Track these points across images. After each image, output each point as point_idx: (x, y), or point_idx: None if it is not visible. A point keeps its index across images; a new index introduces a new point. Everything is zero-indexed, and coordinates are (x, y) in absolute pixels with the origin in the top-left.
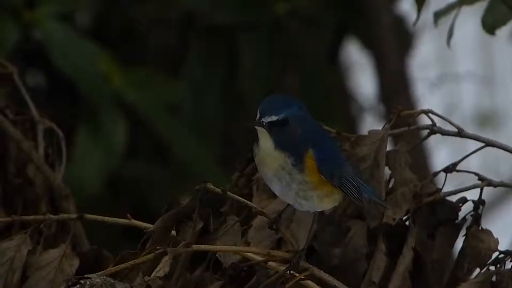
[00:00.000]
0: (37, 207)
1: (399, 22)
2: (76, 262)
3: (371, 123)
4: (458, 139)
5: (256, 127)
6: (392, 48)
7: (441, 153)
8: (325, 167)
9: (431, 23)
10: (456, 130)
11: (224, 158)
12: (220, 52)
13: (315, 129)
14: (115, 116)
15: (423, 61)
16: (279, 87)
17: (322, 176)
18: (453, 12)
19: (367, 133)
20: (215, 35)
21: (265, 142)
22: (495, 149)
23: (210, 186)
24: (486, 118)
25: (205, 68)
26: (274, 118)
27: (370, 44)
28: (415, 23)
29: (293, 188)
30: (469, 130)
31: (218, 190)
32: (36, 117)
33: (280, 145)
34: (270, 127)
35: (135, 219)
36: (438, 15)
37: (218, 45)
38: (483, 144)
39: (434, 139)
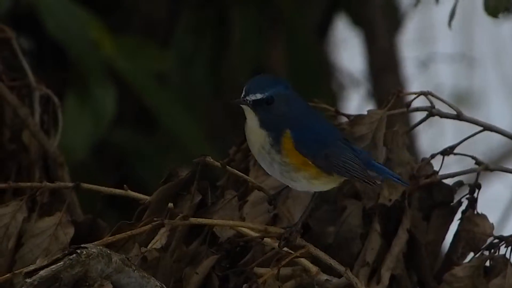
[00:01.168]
0: (30, 173)
1: (390, 1)
2: (71, 231)
3: (356, 99)
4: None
5: (241, 105)
6: (382, 26)
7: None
8: (305, 148)
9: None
10: (455, 113)
11: (211, 129)
12: (210, 23)
13: (299, 109)
14: (104, 83)
15: (409, 40)
16: (267, 59)
17: (305, 158)
18: None
19: (365, 113)
20: (206, 6)
21: (250, 120)
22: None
23: (209, 159)
24: (463, 98)
25: (195, 39)
26: (259, 96)
27: (360, 22)
28: (416, 4)
29: (276, 168)
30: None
31: (218, 164)
32: (33, 84)
33: (264, 124)
34: (255, 105)
35: (121, 188)
36: None
37: (208, 16)
38: (481, 128)
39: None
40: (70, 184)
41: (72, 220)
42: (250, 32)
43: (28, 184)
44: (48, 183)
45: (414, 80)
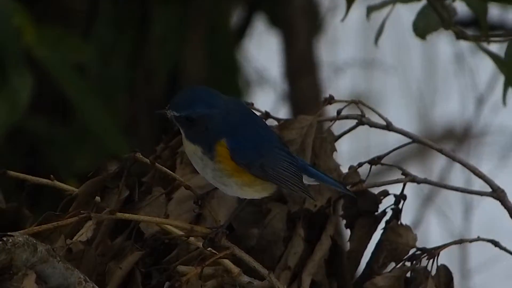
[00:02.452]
0: None
1: (311, 3)
2: None
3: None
4: None
5: (166, 115)
6: (302, 28)
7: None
8: (239, 156)
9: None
10: (384, 123)
11: (125, 123)
12: (131, 18)
13: (235, 118)
14: (22, 71)
15: (326, 43)
16: (186, 57)
17: (238, 165)
18: (386, 8)
19: (296, 118)
20: (127, 0)
21: (184, 134)
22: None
23: (139, 155)
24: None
25: (115, 33)
26: (176, 114)
27: (280, 23)
28: (343, 19)
29: (208, 172)
30: None
31: (147, 160)
32: None
33: (189, 137)
34: (177, 121)
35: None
36: (371, 10)
37: (129, 10)
38: (409, 140)
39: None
40: None
41: None
42: (170, 29)
43: None
44: None
45: (330, 84)
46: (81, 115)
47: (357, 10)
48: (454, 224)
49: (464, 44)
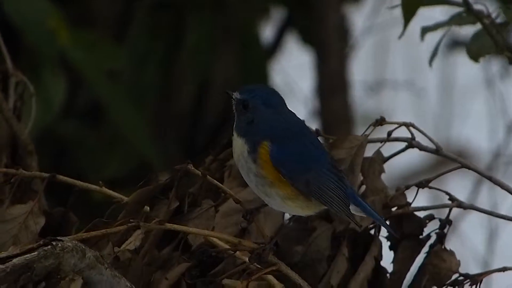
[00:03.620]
0: None
1: (343, 23)
2: (42, 221)
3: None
4: None
5: (231, 96)
6: (335, 47)
7: None
8: (283, 167)
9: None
10: (434, 147)
11: (156, 130)
12: (165, 26)
13: (286, 125)
14: (56, 73)
15: (360, 63)
16: (218, 67)
17: (281, 175)
18: (440, 30)
19: (346, 137)
20: (162, 7)
21: (235, 123)
22: None
23: (191, 167)
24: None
25: (149, 39)
26: (238, 96)
27: (312, 41)
28: (400, 36)
29: (252, 179)
30: None
31: (198, 172)
32: (10, 70)
33: (238, 128)
34: (236, 104)
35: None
36: (425, 31)
37: (163, 18)
38: (459, 165)
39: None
40: (46, 175)
41: (44, 211)
42: (204, 39)
43: (3, 169)
44: (23, 171)
45: (362, 104)
46: (112, 119)
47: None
48: (477, 249)
49: (494, 69)
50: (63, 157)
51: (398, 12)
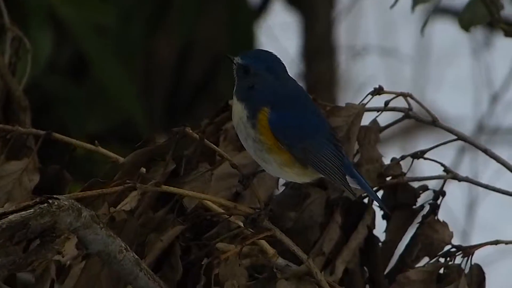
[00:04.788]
0: None
1: None
2: (36, 178)
3: None
4: None
5: (232, 61)
6: (323, 11)
7: None
8: (281, 134)
9: None
10: (431, 119)
11: (142, 87)
12: None
13: (286, 92)
14: (44, 28)
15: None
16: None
17: (278, 141)
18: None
19: (343, 105)
20: None
21: (235, 88)
22: None
23: (188, 130)
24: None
25: None
26: (239, 61)
27: (300, 4)
28: (392, 7)
29: (250, 144)
30: None
31: (196, 136)
32: (7, 24)
33: (239, 93)
34: (237, 69)
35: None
36: (417, 2)
37: None
38: (455, 137)
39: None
40: (42, 132)
41: (38, 168)
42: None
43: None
44: (20, 128)
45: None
46: (98, 75)
47: None
48: (457, 220)
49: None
50: (45, 112)
51: None
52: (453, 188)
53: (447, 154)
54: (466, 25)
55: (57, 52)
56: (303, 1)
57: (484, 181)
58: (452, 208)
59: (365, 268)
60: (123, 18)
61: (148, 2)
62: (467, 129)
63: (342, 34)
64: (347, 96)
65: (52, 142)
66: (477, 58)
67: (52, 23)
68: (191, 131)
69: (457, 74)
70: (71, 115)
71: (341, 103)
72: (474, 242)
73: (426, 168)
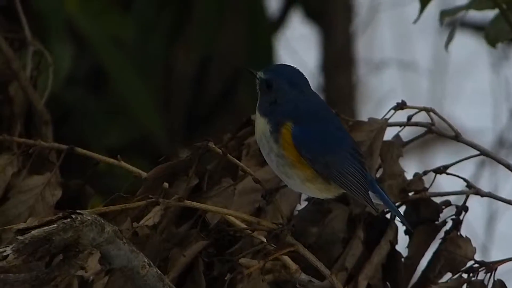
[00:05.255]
0: (11, 126)
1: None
2: (58, 193)
3: None
4: None
5: (255, 76)
6: (341, 24)
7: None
8: (304, 149)
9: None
10: (453, 134)
11: (161, 100)
12: None
13: (310, 107)
14: (63, 40)
15: (371, 43)
16: (224, 42)
17: (302, 156)
18: (459, 13)
19: (364, 119)
20: None
21: (258, 103)
22: None
23: (211, 145)
24: None
25: (156, 9)
26: (262, 76)
27: (317, 16)
28: (415, 21)
29: (273, 159)
30: None
31: (219, 150)
32: (28, 38)
33: (262, 108)
34: (260, 84)
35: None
36: (444, 15)
37: None
38: (477, 152)
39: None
40: (64, 146)
41: (61, 182)
42: (210, 10)
43: (22, 139)
44: (42, 142)
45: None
46: (117, 88)
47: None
48: (477, 234)
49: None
50: (64, 125)
51: None
52: (472, 203)
53: (467, 168)
54: (492, 41)
55: (76, 65)
56: (322, 14)
57: (503, 195)
58: (472, 222)
59: (388, 283)
60: (142, 31)
61: (167, 15)
62: (486, 142)
63: (360, 47)
64: (365, 110)
65: (73, 156)
66: (496, 72)
67: (72, 36)
68: (213, 145)
69: (474, 87)
70: (90, 128)
71: (360, 116)
72: (494, 256)
73: (443, 182)
